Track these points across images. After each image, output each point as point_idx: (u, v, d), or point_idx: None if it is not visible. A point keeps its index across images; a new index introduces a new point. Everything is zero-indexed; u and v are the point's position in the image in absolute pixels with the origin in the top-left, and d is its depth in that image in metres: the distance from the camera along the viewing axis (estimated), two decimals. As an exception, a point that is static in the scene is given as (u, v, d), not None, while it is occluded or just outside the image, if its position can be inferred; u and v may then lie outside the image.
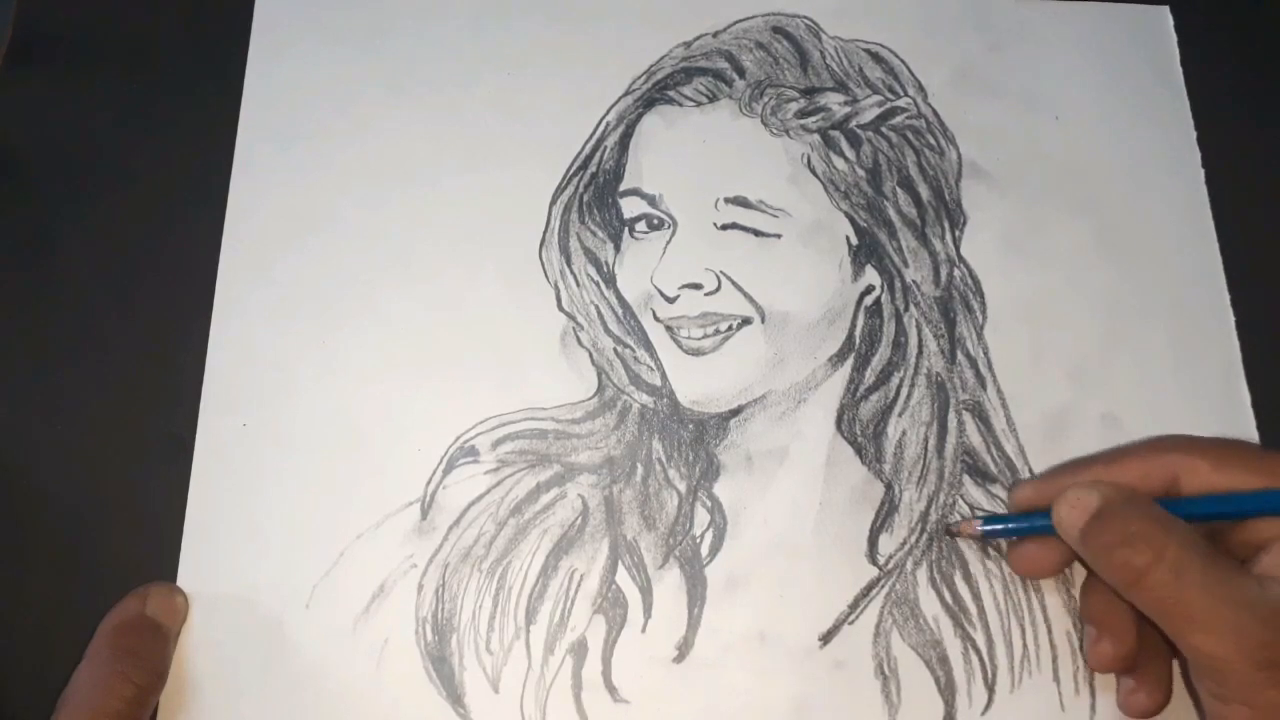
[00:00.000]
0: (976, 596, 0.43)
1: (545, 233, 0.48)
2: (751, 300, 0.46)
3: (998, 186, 0.49)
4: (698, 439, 0.45)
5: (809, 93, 0.49)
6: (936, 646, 0.42)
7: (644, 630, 0.42)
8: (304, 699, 0.41)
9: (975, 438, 0.45)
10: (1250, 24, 0.53)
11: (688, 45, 0.51)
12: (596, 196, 0.48)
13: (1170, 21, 0.53)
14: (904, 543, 0.43)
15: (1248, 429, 0.46)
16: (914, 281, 0.47)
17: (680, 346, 0.46)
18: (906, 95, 0.50)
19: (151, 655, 0.39)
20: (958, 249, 0.48)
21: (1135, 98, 0.51)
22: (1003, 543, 0.43)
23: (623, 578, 0.43)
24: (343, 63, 0.50)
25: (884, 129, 0.49)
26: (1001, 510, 0.44)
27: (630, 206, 0.48)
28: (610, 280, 0.47)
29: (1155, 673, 0.39)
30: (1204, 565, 0.35)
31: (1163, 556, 0.35)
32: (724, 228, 0.47)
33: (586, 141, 0.49)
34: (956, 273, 0.47)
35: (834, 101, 0.49)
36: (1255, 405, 0.46)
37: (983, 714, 0.41)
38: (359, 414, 0.44)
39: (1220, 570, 0.35)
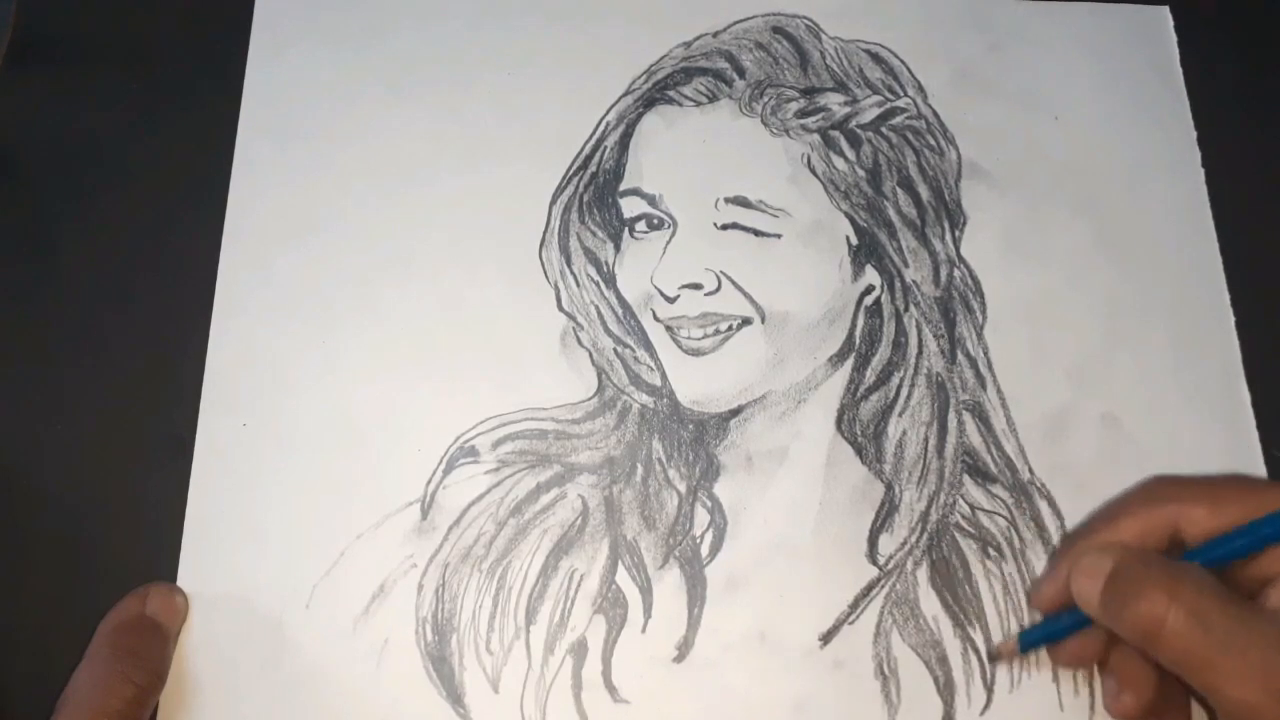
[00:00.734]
0: (976, 597, 0.43)
1: (545, 232, 0.48)
2: (751, 300, 0.46)
3: (998, 187, 0.49)
4: (698, 439, 0.45)
5: (809, 93, 0.49)
6: (936, 646, 0.42)
7: (644, 630, 0.42)
8: (304, 699, 0.41)
9: (975, 438, 0.45)
10: (1250, 24, 0.53)
11: (688, 45, 0.51)
12: (596, 196, 0.48)
13: (1170, 22, 0.53)
14: (904, 543, 0.43)
15: (1248, 429, 0.46)
16: (914, 281, 0.47)
17: (680, 346, 0.46)
18: (906, 95, 0.50)
19: (151, 655, 0.39)
20: (958, 249, 0.48)
21: (1135, 98, 0.51)
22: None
23: (623, 578, 0.43)
24: (343, 63, 0.50)
25: (884, 129, 0.49)
26: (1002, 511, 0.44)
27: (630, 206, 0.48)
28: (610, 280, 0.47)
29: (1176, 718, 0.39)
30: (1221, 608, 0.34)
31: (1178, 603, 0.35)
32: (724, 228, 0.47)
33: (586, 141, 0.49)
34: (956, 273, 0.47)
35: (834, 102, 0.49)
36: (1255, 405, 0.46)
37: (982, 714, 0.41)
38: (359, 414, 0.44)
39: (1237, 611, 0.34)
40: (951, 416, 0.45)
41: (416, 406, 0.45)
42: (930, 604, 0.43)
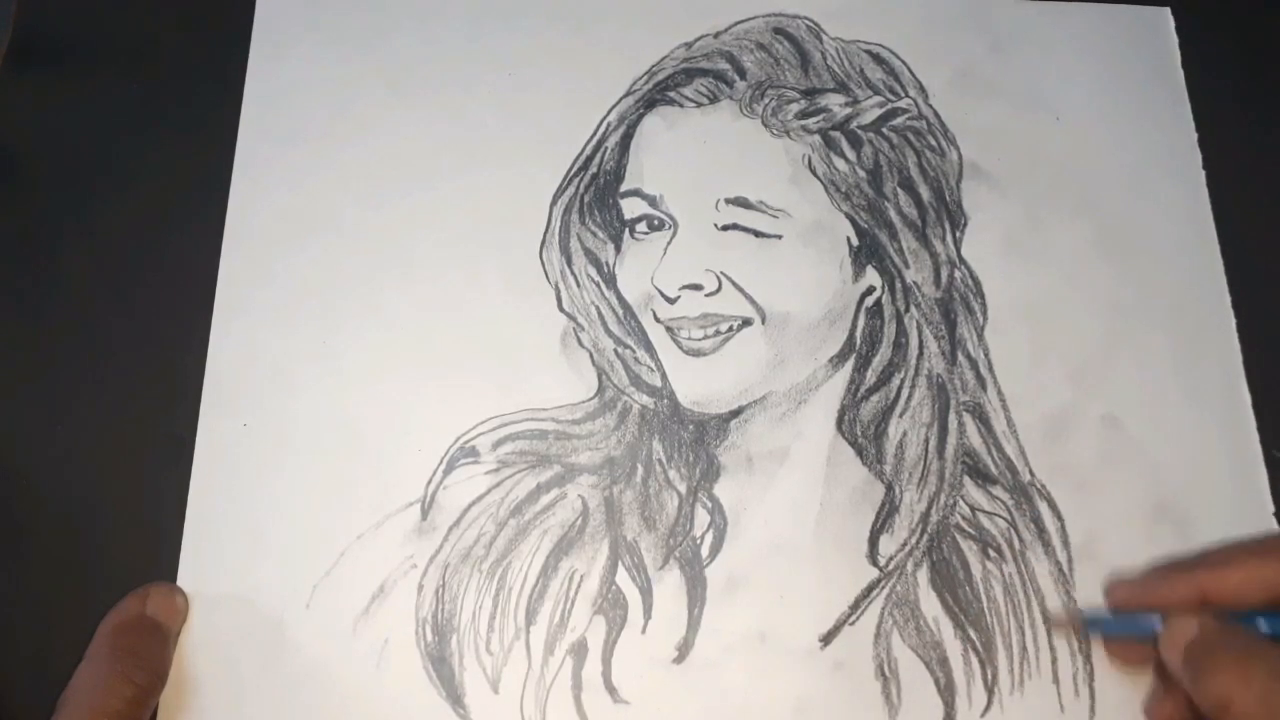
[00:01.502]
0: (977, 598, 0.43)
1: (546, 233, 0.48)
2: (752, 301, 0.46)
3: (998, 187, 0.49)
4: (698, 440, 0.45)
5: (810, 94, 0.49)
6: (937, 648, 0.42)
7: (644, 631, 0.42)
8: (304, 699, 0.41)
9: (976, 439, 0.45)
10: (1251, 25, 0.53)
11: (689, 46, 0.51)
12: (597, 197, 0.48)
13: (1171, 23, 0.53)
14: (904, 544, 0.43)
15: (1248, 430, 0.46)
16: (915, 282, 0.47)
17: (680, 347, 0.46)
18: (907, 96, 0.50)
19: (151, 655, 0.39)
20: (958, 250, 0.48)
21: (1136, 99, 0.51)
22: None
23: (623, 578, 0.43)
24: (343, 64, 0.50)
25: (885, 130, 0.49)
26: (1002, 512, 0.44)
27: (631, 207, 0.48)
28: (611, 281, 0.47)
29: None
30: None
31: (1248, 685, 0.35)
32: (724, 228, 0.47)
33: (587, 142, 0.49)
34: (957, 274, 0.47)
35: (835, 102, 0.49)
36: (1256, 407, 0.46)
37: (982, 715, 0.41)
38: (359, 414, 0.44)
39: None
40: (952, 417, 0.45)
41: (417, 407, 0.45)
42: (931, 605, 0.43)
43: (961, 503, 0.44)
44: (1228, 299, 0.48)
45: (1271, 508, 0.45)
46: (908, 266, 0.47)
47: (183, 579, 0.42)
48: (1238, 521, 0.44)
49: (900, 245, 0.47)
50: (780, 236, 0.47)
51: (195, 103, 0.49)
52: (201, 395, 0.44)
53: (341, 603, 0.42)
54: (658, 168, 0.48)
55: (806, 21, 0.51)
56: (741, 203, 0.47)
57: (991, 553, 0.44)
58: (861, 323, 0.46)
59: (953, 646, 0.42)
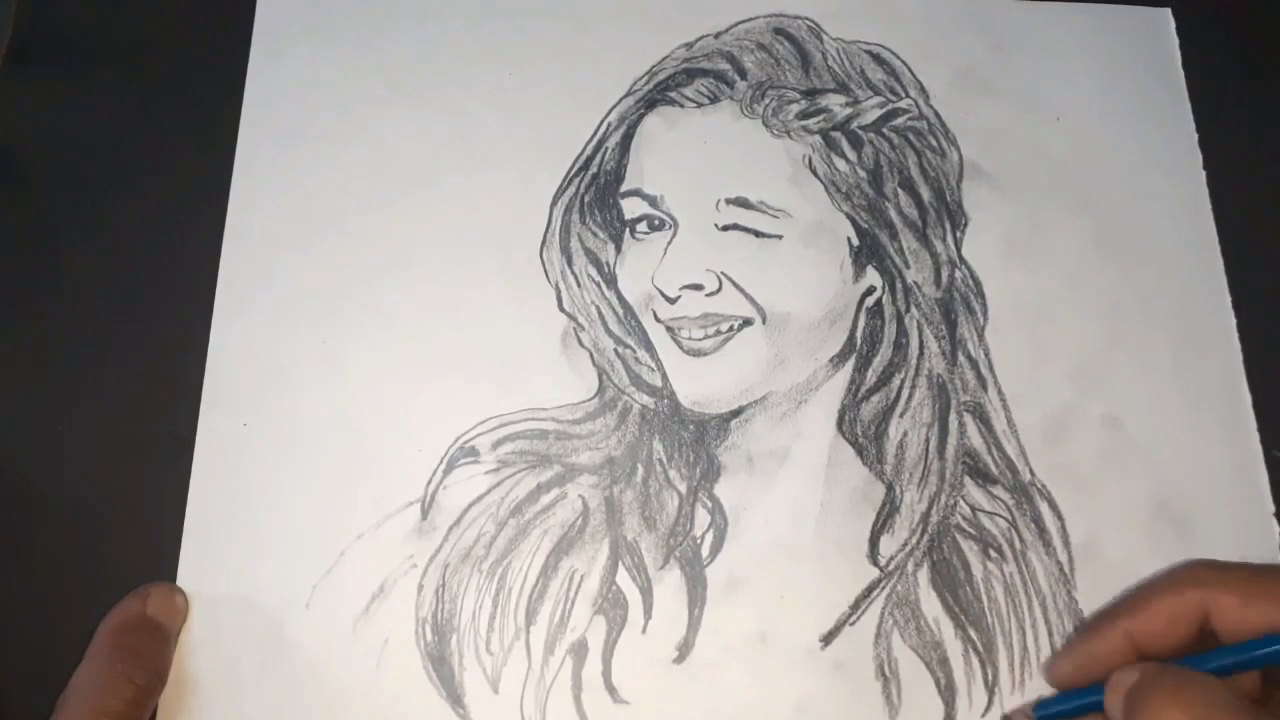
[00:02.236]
0: (977, 598, 0.43)
1: (546, 233, 0.48)
2: (752, 301, 0.46)
3: (999, 188, 0.49)
4: (698, 440, 0.45)
5: (810, 94, 0.49)
6: (937, 648, 0.42)
7: (644, 631, 0.42)
8: (304, 699, 0.41)
9: (976, 439, 0.45)
10: (1252, 26, 0.53)
11: (689, 46, 0.51)
12: (598, 197, 0.48)
13: (1172, 23, 0.53)
14: (905, 544, 0.43)
15: (1248, 430, 0.46)
16: (915, 283, 0.47)
17: (681, 347, 0.46)
18: (908, 96, 0.50)
19: (151, 655, 0.39)
20: (959, 250, 0.48)
21: (1137, 99, 0.51)
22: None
23: (623, 578, 0.43)
24: (343, 63, 0.50)
25: (885, 130, 0.49)
26: (1002, 512, 0.44)
27: (631, 207, 0.48)
28: (611, 281, 0.47)
29: None
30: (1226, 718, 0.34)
31: (1189, 713, 0.34)
32: (725, 229, 0.47)
33: (588, 142, 0.49)
34: (958, 274, 0.47)
35: (835, 103, 0.49)
36: (1256, 407, 0.46)
37: (983, 716, 0.41)
38: (359, 414, 0.44)
39: None
40: (952, 418, 0.45)
41: (417, 407, 0.45)
42: (931, 605, 0.43)
43: (962, 503, 0.44)
44: (1228, 299, 0.48)
45: (1271, 508, 0.45)
46: (908, 267, 0.47)
47: (183, 579, 0.42)
48: (1238, 521, 0.44)
49: (901, 245, 0.47)
50: (781, 237, 0.47)
51: (195, 103, 0.49)
52: (201, 395, 0.44)
53: (341, 603, 0.42)
54: (658, 168, 0.48)
55: (807, 22, 0.51)
56: (742, 203, 0.47)
57: (992, 553, 0.44)
58: (862, 323, 0.46)
59: (953, 647, 0.42)
